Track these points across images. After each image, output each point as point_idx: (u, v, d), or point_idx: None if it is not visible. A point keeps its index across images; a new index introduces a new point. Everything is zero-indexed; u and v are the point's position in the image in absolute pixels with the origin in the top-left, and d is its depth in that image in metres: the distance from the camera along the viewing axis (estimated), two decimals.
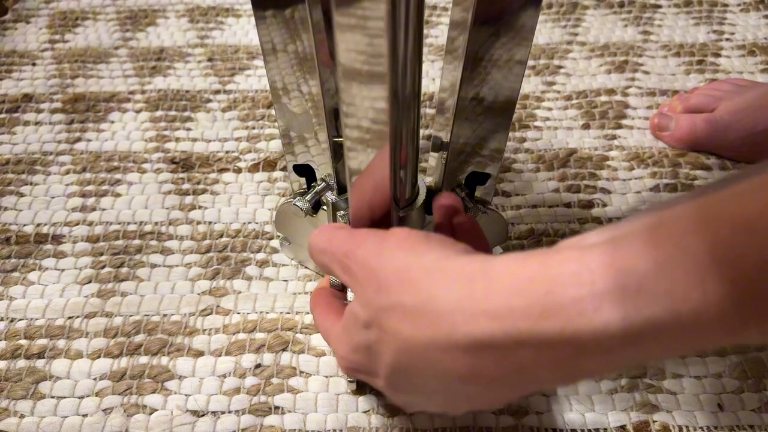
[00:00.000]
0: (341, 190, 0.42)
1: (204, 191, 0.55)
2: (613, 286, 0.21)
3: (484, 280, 0.25)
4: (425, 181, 0.41)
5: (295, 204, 0.43)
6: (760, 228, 0.20)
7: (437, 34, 0.71)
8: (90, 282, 0.48)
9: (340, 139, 0.40)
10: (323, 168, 0.42)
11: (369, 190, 0.32)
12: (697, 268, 0.20)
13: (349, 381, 0.42)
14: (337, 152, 0.40)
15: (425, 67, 0.67)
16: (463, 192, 0.42)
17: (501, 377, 0.25)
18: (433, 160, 0.47)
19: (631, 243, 0.22)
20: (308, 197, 0.42)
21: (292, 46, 0.35)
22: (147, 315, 0.46)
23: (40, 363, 0.44)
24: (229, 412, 0.41)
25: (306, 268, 0.49)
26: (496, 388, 0.26)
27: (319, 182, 0.43)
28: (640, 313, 0.21)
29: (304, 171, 0.43)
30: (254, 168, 0.57)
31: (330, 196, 0.41)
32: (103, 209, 0.53)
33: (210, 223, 0.52)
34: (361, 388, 0.42)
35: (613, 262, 0.22)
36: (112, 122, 0.61)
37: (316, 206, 0.43)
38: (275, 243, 0.51)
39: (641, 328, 0.21)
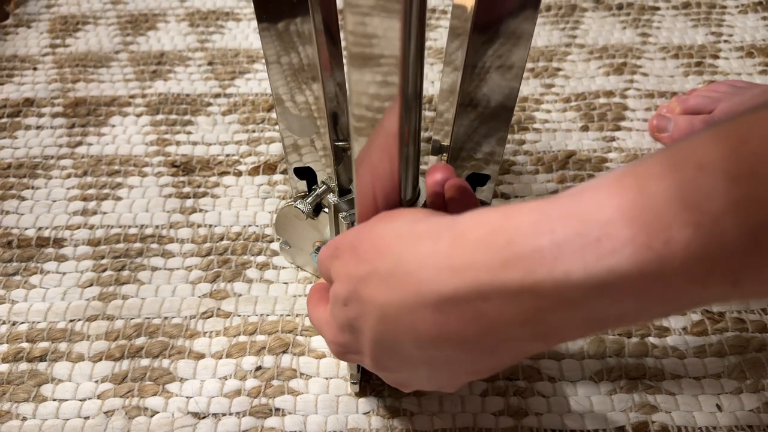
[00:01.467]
0: (342, 192, 0.42)
1: (204, 194, 0.55)
2: (573, 234, 0.21)
3: (449, 236, 0.24)
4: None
5: (296, 207, 0.43)
6: (726, 170, 0.19)
7: (436, 37, 0.72)
8: (91, 285, 0.49)
9: (341, 143, 0.40)
10: (324, 171, 0.42)
11: (375, 189, 0.32)
12: (661, 214, 0.19)
13: (351, 383, 0.42)
14: (338, 155, 0.40)
15: (424, 70, 0.67)
16: None
17: (472, 336, 0.24)
18: (432, 164, 0.47)
19: (594, 192, 0.21)
20: (309, 200, 0.43)
21: (293, 54, 0.36)
22: (148, 318, 0.47)
23: (41, 366, 0.44)
24: (230, 414, 0.42)
25: (305, 271, 0.49)
26: (471, 350, 0.25)
27: (320, 185, 0.43)
28: (601, 262, 0.20)
29: (305, 174, 0.44)
30: (254, 171, 0.57)
31: (332, 198, 0.41)
32: (104, 213, 0.54)
33: (210, 226, 0.53)
34: (363, 390, 0.42)
35: (575, 212, 0.21)
36: (113, 126, 0.61)
37: (317, 209, 0.43)
38: (275, 246, 0.51)
39: (603, 279, 0.20)
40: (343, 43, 0.37)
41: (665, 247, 0.19)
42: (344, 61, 0.26)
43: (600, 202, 0.21)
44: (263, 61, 0.68)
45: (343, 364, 0.44)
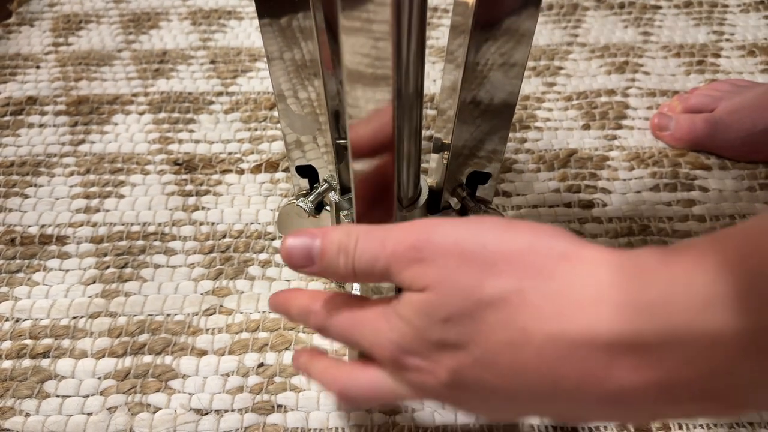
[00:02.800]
0: (344, 190, 0.42)
1: (207, 192, 0.55)
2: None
3: (621, 266, 0.22)
4: (427, 181, 0.41)
5: (298, 204, 0.43)
6: None
7: (438, 35, 0.72)
8: (94, 282, 0.49)
9: (342, 141, 0.40)
10: (326, 169, 0.42)
11: (373, 187, 0.31)
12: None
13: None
14: (340, 153, 0.40)
15: (426, 68, 0.67)
16: (465, 192, 0.43)
17: (629, 387, 0.21)
18: (434, 162, 0.47)
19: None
20: (311, 198, 0.43)
21: (295, 51, 0.36)
22: (151, 315, 0.47)
23: (45, 362, 0.44)
24: (233, 410, 0.42)
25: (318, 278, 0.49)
26: (599, 402, 0.22)
27: (321, 183, 0.43)
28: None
29: (307, 172, 0.44)
30: (257, 169, 0.57)
31: (333, 196, 0.41)
32: (107, 210, 0.54)
33: (213, 223, 0.53)
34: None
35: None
36: (116, 124, 0.62)
37: (318, 207, 0.43)
38: (277, 243, 0.51)
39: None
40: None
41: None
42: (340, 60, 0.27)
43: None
44: (265, 59, 0.68)
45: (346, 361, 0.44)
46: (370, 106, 0.26)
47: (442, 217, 0.43)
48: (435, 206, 0.42)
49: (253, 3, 0.75)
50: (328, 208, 0.43)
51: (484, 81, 0.37)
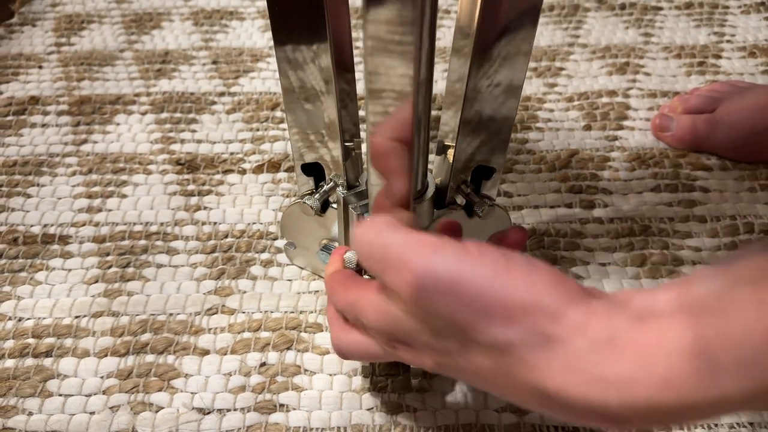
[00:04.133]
0: (350, 186, 0.42)
1: (209, 192, 0.55)
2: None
3: (605, 346, 0.23)
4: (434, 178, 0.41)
5: (304, 202, 0.43)
6: None
7: (439, 36, 0.72)
8: (97, 282, 0.49)
9: (350, 144, 0.41)
10: (332, 165, 0.42)
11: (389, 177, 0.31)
12: None
13: (364, 376, 0.42)
14: (347, 152, 0.41)
15: None
16: (469, 188, 0.43)
17: None
18: (436, 163, 0.47)
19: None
20: (317, 195, 0.43)
21: (307, 49, 0.36)
22: (153, 314, 0.47)
23: (47, 361, 0.44)
24: (235, 409, 0.42)
25: (319, 277, 0.49)
26: None
27: (327, 181, 0.43)
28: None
29: (313, 170, 0.44)
30: (258, 169, 0.57)
31: (340, 192, 0.41)
32: (110, 210, 0.54)
33: (215, 223, 0.53)
34: (370, 385, 0.43)
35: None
36: (118, 124, 0.62)
37: (324, 206, 0.44)
38: (279, 243, 0.51)
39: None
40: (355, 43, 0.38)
41: None
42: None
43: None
44: (267, 60, 0.69)
45: (347, 361, 0.44)
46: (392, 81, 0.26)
47: (447, 212, 0.43)
48: (440, 202, 0.42)
49: (255, 4, 0.75)
50: (334, 206, 0.43)
51: (489, 77, 0.37)
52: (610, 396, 0.23)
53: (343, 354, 0.35)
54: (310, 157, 0.43)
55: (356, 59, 0.39)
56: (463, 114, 0.38)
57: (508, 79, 0.36)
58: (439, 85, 0.65)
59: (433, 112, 0.63)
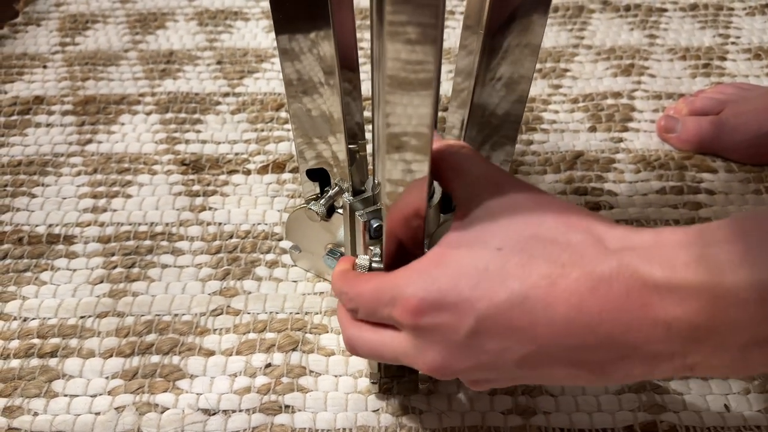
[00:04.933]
0: (356, 192, 0.42)
1: (214, 193, 0.55)
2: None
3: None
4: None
5: (310, 208, 0.43)
6: None
7: (444, 37, 0.72)
8: (102, 282, 0.49)
9: (354, 146, 0.41)
10: (337, 170, 0.42)
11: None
12: None
13: (372, 382, 0.42)
14: (352, 156, 0.41)
15: None
16: None
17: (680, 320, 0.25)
18: None
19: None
20: (322, 201, 0.43)
21: (311, 49, 0.36)
22: (158, 315, 0.47)
23: (53, 362, 0.44)
24: (240, 410, 0.42)
25: (325, 280, 0.49)
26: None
27: (332, 186, 0.43)
28: None
29: (317, 175, 0.44)
30: (263, 170, 0.57)
31: (346, 198, 0.41)
32: (114, 210, 0.54)
33: (220, 224, 0.53)
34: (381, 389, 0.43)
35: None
36: (123, 124, 0.62)
37: (329, 211, 0.43)
38: (284, 244, 0.51)
39: None
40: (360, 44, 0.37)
41: None
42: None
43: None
44: (272, 60, 0.69)
45: (352, 362, 0.44)
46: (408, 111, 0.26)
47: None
48: (447, 206, 0.42)
49: (260, 5, 0.74)
50: (340, 211, 0.43)
51: (497, 78, 0.37)
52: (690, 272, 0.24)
53: (355, 350, 0.34)
54: (311, 155, 0.42)
55: (361, 60, 0.39)
56: (470, 113, 0.37)
57: (516, 75, 0.36)
58: (444, 87, 0.65)
59: (438, 114, 0.63)
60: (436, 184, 0.37)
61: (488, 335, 0.27)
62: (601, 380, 0.28)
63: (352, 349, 0.34)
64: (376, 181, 0.39)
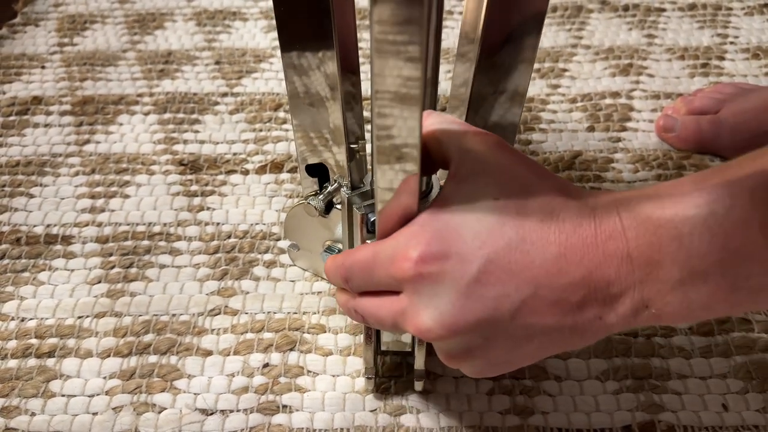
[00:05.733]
0: (354, 187, 0.42)
1: (212, 193, 0.55)
2: None
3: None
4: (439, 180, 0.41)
5: (309, 203, 0.43)
6: None
7: (443, 37, 0.72)
8: (99, 282, 0.49)
9: (354, 146, 0.41)
10: (336, 165, 0.42)
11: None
12: None
13: (367, 377, 0.42)
14: (352, 153, 0.41)
15: None
16: None
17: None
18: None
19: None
20: (321, 196, 0.43)
21: (313, 55, 0.36)
22: (156, 315, 0.47)
23: (50, 362, 0.44)
24: (238, 410, 0.42)
25: (322, 279, 0.49)
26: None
27: (332, 182, 0.43)
28: None
29: (317, 171, 0.44)
30: (261, 170, 0.57)
31: (344, 192, 0.41)
32: (112, 210, 0.54)
33: (218, 224, 0.53)
34: (376, 386, 0.43)
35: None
36: (121, 124, 0.62)
37: (328, 207, 0.43)
38: (282, 244, 0.51)
39: None
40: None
41: None
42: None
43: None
44: (270, 60, 0.69)
45: (350, 361, 0.44)
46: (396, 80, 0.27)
47: None
48: None
49: (258, 5, 0.75)
50: (338, 206, 0.43)
51: (495, 81, 0.37)
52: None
53: (355, 316, 0.35)
54: (314, 161, 0.42)
55: (361, 60, 0.39)
56: (467, 119, 0.38)
57: (512, 86, 0.36)
58: (443, 86, 0.65)
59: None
60: (434, 179, 0.37)
61: (489, 282, 0.29)
62: (576, 332, 0.29)
63: (353, 315, 0.35)
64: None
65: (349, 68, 0.38)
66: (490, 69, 0.35)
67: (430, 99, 0.32)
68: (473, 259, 0.29)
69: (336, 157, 0.41)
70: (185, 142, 0.60)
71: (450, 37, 0.72)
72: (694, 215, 0.26)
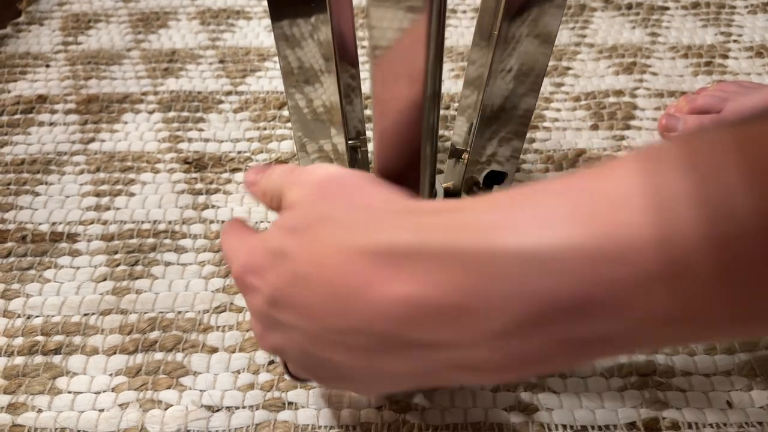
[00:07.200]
0: None
1: (217, 191, 0.56)
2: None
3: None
4: (442, 184, 0.41)
5: None
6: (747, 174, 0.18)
7: (447, 35, 0.72)
8: (105, 280, 0.49)
9: (354, 142, 0.41)
10: (334, 158, 0.42)
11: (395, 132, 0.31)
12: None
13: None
14: (353, 156, 0.41)
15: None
16: (481, 191, 0.43)
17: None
18: (448, 167, 0.47)
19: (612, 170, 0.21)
20: None
21: (311, 34, 0.36)
22: (162, 312, 0.47)
23: (57, 359, 0.45)
24: (244, 407, 0.42)
25: None
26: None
27: None
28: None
29: None
30: None
31: None
32: (118, 208, 0.54)
33: (223, 222, 0.53)
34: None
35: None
36: (126, 123, 0.62)
37: None
38: None
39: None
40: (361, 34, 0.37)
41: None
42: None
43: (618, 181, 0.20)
44: (274, 59, 0.69)
45: None
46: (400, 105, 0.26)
47: None
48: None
49: (263, 3, 0.75)
50: None
51: (513, 55, 0.36)
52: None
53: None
54: (313, 149, 0.42)
55: (361, 59, 0.39)
56: (481, 104, 0.37)
57: (528, 66, 0.36)
58: (446, 85, 0.65)
59: (440, 113, 0.63)
60: (438, 186, 0.37)
61: (282, 308, 0.27)
62: (375, 375, 0.26)
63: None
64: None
65: (348, 59, 0.38)
66: (507, 45, 0.34)
67: (433, 110, 0.32)
68: (268, 284, 0.28)
69: (333, 140, 0.41)
70: (190, 140, 0.60)
71: (453, 36, 0.72)
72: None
